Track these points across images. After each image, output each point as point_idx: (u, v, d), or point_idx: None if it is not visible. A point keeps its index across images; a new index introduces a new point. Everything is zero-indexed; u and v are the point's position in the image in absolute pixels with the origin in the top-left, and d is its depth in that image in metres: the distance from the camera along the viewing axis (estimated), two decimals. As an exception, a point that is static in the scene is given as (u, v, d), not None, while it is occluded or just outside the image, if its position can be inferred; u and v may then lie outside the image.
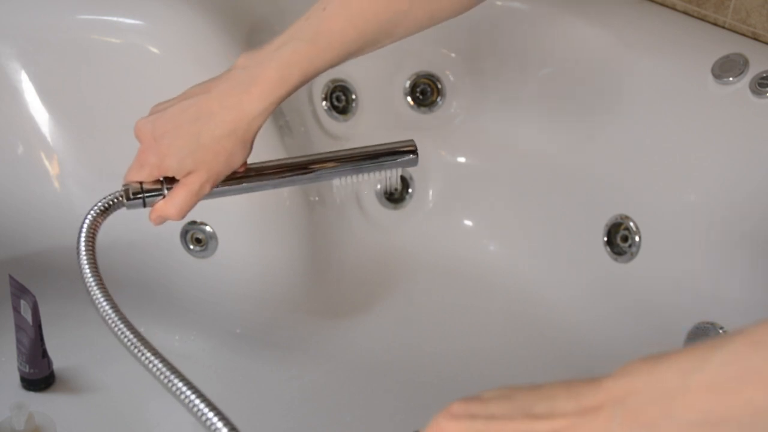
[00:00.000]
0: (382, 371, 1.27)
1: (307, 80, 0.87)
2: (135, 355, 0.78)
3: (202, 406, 0.72)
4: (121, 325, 0.79)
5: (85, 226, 0.86)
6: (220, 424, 0.70)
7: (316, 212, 1.36)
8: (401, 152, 0.95)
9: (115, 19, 1.26)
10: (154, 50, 1.26)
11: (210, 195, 0.88)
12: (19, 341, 1.16)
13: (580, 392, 0.54)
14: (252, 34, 1.31)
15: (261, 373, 1.27)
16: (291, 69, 0.85)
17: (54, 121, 1.26)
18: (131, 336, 0.78)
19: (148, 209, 0.88)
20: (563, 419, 0.54)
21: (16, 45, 1.25)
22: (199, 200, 0.87)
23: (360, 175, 0.94)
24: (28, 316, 1.13)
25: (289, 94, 0.86)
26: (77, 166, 1.29)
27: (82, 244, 0.85)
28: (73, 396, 1.20)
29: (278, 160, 0.93)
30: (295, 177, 0.92)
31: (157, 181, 0.87)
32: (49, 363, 1.19)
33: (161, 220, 0.88)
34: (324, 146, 1.37)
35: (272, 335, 1.32)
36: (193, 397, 0.73)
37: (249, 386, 1.25)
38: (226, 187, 0.89)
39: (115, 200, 0.88)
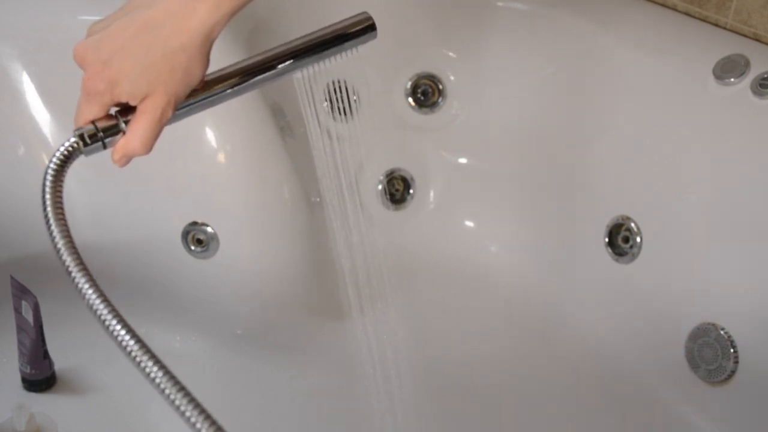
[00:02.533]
0: (382, 372, 1.27)
1: None
2: (94, 313, 0.70)
3: (175, 390, 0.66)
4: (87, 286, 0.70)
5: (48, 190, 0.74)
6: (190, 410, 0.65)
7: (316, 213, 1.36)
8: (359, 29, 0.87)
9: (115, 19, 1.26)
10: (155, 51, 1.25)
11: (172, 119, 0.77)
12: (20, 342, 1.16)
13: None
14: (253, 35, 1.31)
15: (262, 373, 1.27)
16: None
17: (55, 121, 1.26)
18: (98, 302, 0.70)
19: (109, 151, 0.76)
20: None
21: (16, 45, 1.24)
22: (163, 127, 0.75)
23: (322, 63, 0.88)
24: (30, 317, 1.13)
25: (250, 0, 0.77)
26: (78, 166, 1.27)
27: (50, 208, 0.72)
28: (75, 397, 1.20)
29: (234, 65, 0.84)
30: (256, 79, 0.84)
31: (111, 117, 0.75)
32: (51, 364, 1.19)
33: (127, 160, 0.76)
34: (325, 147, 1.37)
35: (273, 336, 1.32)
36: (149, 361, 0.67)
37: (250, 387, 1.25)
38: (188, 108, 0.79)
39: (71, 148, 0.76)
